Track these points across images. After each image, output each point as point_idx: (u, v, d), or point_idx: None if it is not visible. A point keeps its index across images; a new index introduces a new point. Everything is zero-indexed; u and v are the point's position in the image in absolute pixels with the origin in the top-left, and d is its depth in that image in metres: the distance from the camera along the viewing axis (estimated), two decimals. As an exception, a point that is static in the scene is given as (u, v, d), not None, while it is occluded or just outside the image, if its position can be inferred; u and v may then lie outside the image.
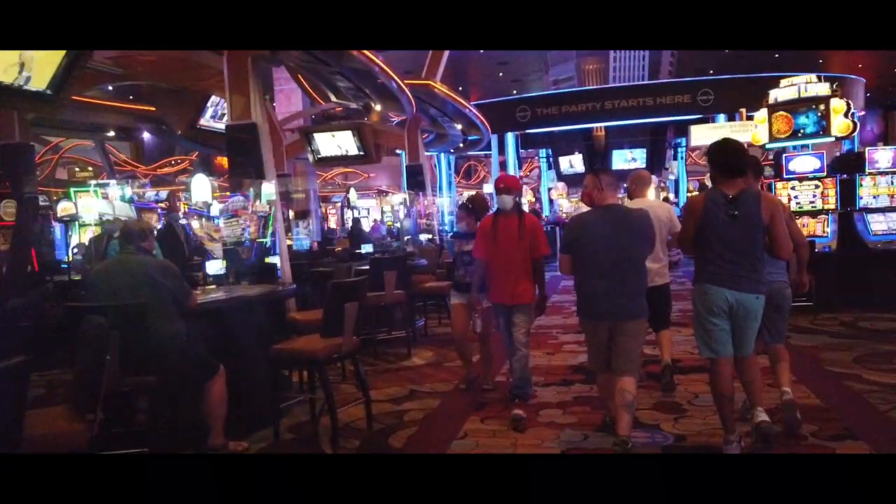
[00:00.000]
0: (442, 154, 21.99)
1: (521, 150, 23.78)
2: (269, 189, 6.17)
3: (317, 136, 11.52)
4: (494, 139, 17.65)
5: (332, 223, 19.79)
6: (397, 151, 14.48)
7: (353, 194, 13.50)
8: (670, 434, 4.05)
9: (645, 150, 20.07)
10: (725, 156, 3.46)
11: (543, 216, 20.94)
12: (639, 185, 5.21)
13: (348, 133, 11.39)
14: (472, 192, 11.80)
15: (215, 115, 8.92)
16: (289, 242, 9.98)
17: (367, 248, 8.98)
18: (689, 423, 4.21)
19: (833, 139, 11.24)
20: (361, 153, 11.61)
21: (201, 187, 7.19)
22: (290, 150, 12.29)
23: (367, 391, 4.45)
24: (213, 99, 8.94)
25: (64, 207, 8.01)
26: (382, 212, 27.78)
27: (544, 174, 24.43)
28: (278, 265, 5.69)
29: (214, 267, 5.28)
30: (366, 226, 26.47)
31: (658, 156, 20.60)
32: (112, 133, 9.86)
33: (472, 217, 5.18)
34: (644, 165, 19.85)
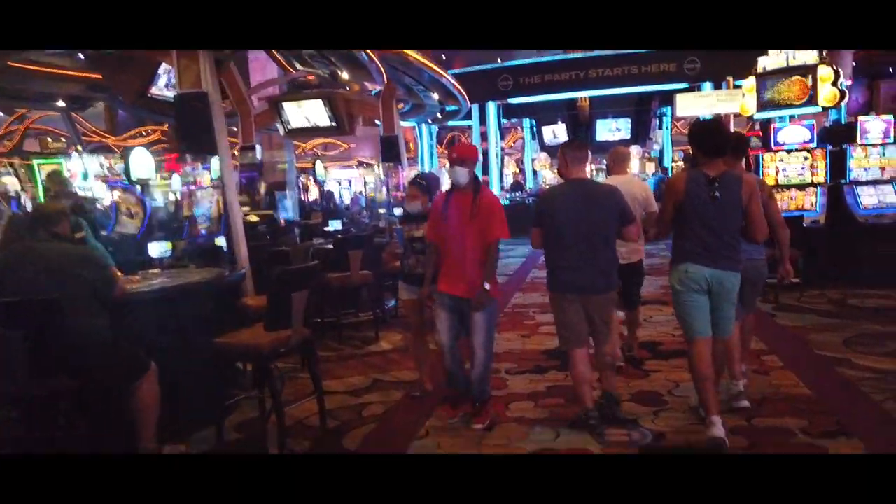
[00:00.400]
0: (423, 124, 21.49)
1: (503, 120, 23.33)
2: (219, 164, 5.70)
3: (286, 105, 10.97)
4: (476, 109, 17.11)
5: (314, 196, 19.26)
6: (376, 122, 13.98)
7: (319, 167, 12.89)
8: (649, 431, 3.72)
9: (629, 120, 19.56)
10: (707, 136, 3.46)
11: (527, 188, 20.56)
12: (617, 162, 5.09)
13: (318, 103, 10.85)
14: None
15: (168, 84, 8.34)
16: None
17: (335, 225, 8.52)
18: (669, 418, 3.89)
19: (820, 109, 10.91)
20: (333, 124, 11.10)
21: (141, 162, 6.63)
22: (259, 121, 11.73)
23: (320, 386, 4.07)
24: (167, 66, 8.37)
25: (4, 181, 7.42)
26: (365, 183, 27.18)
27: (528, 144, 23.95)
28: (229, 247, 5.23)
29: (158, 249, 4.84)
30: (347, 198, 25.93)
31: (643, 126, 20.13)
32: (62, 103, 9.23)
33: (425, 196, 4.32)
34: (628, 136, 19.44)
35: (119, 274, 4.38)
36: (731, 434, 3.57)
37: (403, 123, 19.73)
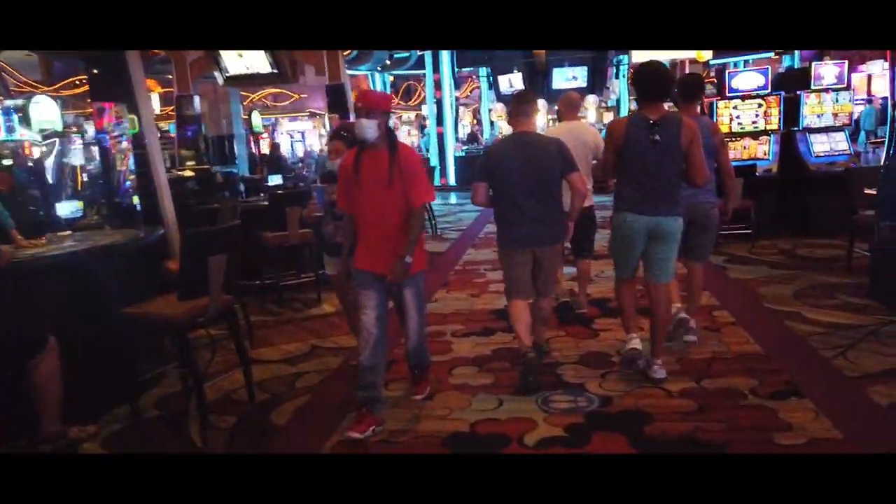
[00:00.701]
0: (377, 73, 20.72)
1: (458, 69, 22.67)
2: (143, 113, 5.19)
3: (223, 52, 10.28)
4: (428, 56, 16.49)
5: (265, 148, 18.47)
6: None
7: (255, 118, 12.16)
8: (595, 395, 3.54)
9: (586, 69, 19.19)
10: (648, 80, 3.41)
11: (484, 140, 20.15)
12: (568, 108, 4.95)
13: (259, 52, 10.20)
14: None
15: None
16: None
17: (275, 180, 8.05)
18: (616, 382, 3.71)
19: (772, 54, 10.78)
20: (275, 71, 10.47)
21: (45, 111, 6.02)
22: (195, 68, 11.01)
23: (247, 357, 3.77)
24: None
25: None
26: (319, 136, 26.30)
27: (484, 95, 23.42)
28: (148, 205, 4.79)
29: (67, 209, 4.38)
30: (302, 151, 25.01)
31: (599, 75, 19.77)
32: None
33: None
34: (585, 84, 19.10)
35: (16, 237, 3.96)
36: (680, 396, 3.44)
37: (353, 72, 19.04)
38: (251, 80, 10.94)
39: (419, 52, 14.91)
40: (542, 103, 19.41)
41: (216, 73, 10.67)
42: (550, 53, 18.43)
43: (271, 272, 6.05)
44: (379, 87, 20.96)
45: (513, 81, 19.95)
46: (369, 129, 3.10)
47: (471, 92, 29.41)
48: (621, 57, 19.30)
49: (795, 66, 11.68)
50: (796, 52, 11.61)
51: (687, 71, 12.96)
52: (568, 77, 19.26)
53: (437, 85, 16.69)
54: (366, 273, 3.27)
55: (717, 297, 5.19)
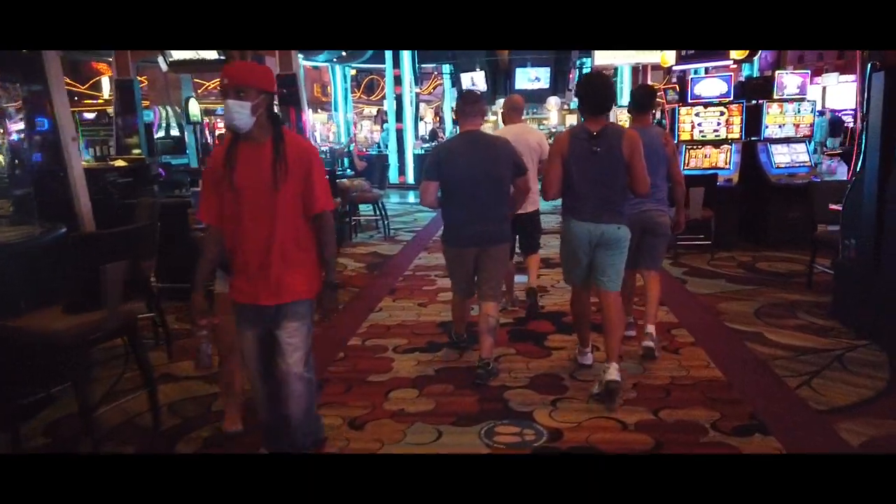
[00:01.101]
0: (338, 66, 20.14)
1: (422, 65, 22.26)
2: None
3: (166, 35, 9.68)
4: (388, 51, 16.02)
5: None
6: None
7: (193, 105, 11.46)
8: (544, 429, 3.19)
9: (549, 70, 19.04)
10: (589, 92, 3.44)
11: (443, 137, 19.79)
12: (510, 111, 4.97)
13: (204, 33, 9.63)
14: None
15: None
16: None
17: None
18: (568, 412, 3.36)
19: (731, 62, 10.66)
20: (222, 57, 9.90)
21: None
22: (136, 51, 10.34)
23: (152, 378, 3.29)
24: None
25: None
26: None
27: (447, 92, 23.07)
28: (47, 198, 4.25)
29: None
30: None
31: (562, 76, 19.64)
32: None
33: None
34: (547, 85, 18.97)
35: None
36: (636, 430, 3.13)
37: (310, 63, 18.45)
38: (197, 66, 10.34)
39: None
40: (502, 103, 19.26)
41: (160, 59, 10.06)
42: (513, 53, 18.19)
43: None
44: (339, 81, 20.40)
45: (475, 80, 19.65)
46: (239, 113, 2.36)
47: (434, 89, 29.04)
48: (584, 59, 19.20)
49: (755, 76, 11.65)
50: (755, 62, 11.57)
51: (649, 76, 12.84)
52: (530, 77, 19.07)
53: (397, 80, 16.22)
54: (247, 309, 2.56)
55: (675, 313, 4.93)
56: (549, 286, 5.85)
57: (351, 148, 10.20)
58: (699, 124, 7.56)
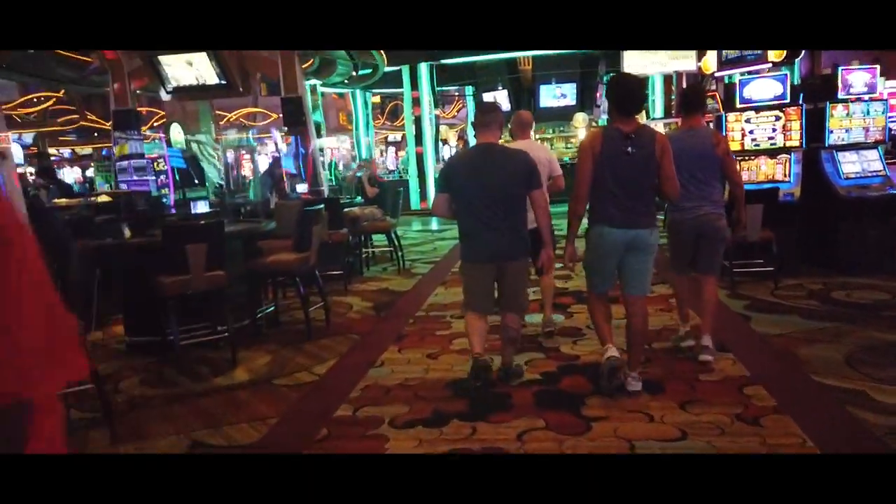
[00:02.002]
0: (359, 92, 19.66)
1: (444, 88, 21.63)
2: None
3: (163, 59, 9.08)
4: (406, 71, 15.37)
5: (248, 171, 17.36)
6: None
7: (175, 131, 10.78)
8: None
9: (575, 85, 18.23)
10: (621, 93, 3.40)
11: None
12: (519, 127, 4.79)
13: (202, 56, 9.01)
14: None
15: None
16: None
17: (202, 207, 6.79)
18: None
19: (770, 65, 9.71)
20: (223, 82, 9.28)
21: None
22: (137, 79, 9.79)
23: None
24: None
25: None
26: (266, 156, 25.24)
27: (471, 114, 22.40)
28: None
29: None
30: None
31: (589, 91, 18.79)
32: None
33: None
34: (574, 102, 18.12)
35: None
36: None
37: (330, 90, 17.96)
38: (199, 93, 9.76)
39: (387, 67, 13.75)
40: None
41: (161, 91, 9.51)
42: (537, 68, 17.44)
43: (176, 326, 4.76)
44: (360, 107, 19.99)
45: (497, 99, 18.92)
46: None
47: (458, 112, 28.50)
48: (612, 73, 18.33)
49: (795, 80, 10.63)
50: (796, 65, 10.56)
51: (684, 83, 11.89)
52: (556, 94, 18.29)
53: (416, 102, 15.53)
54: None
55: (745, 363, 3.95)
56: (583, 327, 4.93)
57: (360, 174, 9.39)
58: (750, 132, 6.60)
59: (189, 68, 9.20)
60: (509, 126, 4.74)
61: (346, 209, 7.94)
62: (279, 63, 9.28)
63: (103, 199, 7.20)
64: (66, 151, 26.19)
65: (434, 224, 13.46)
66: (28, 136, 21.32)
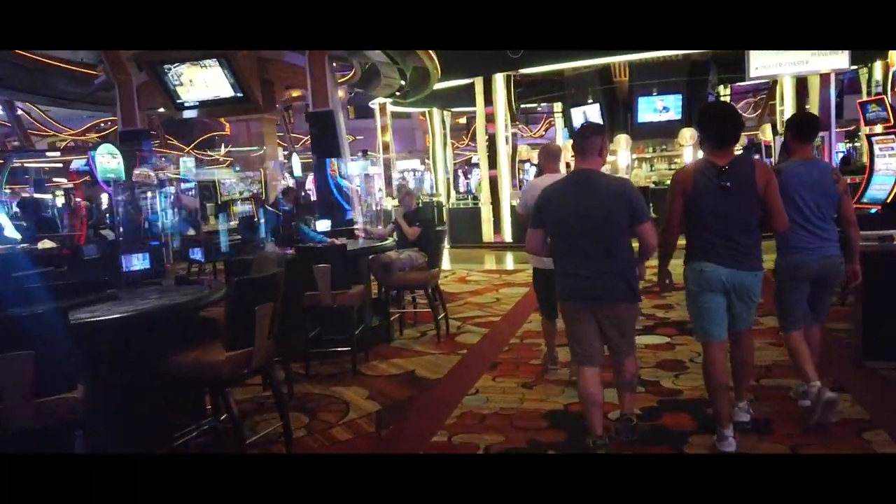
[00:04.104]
0: (436, 111, 18.12)
1: (531, 105, 19.57)
2: None
3: (171, 70, 7.57)
4: (479, 85, 13.41)
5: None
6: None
7: (192, 164, 9.20)
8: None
9: (680, 97, 15.52)
10: (715, 123, 3.21)
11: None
12: (548, 159, 4.57)
13: (213, 65, 7.42)
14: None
15: None
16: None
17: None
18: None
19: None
20: (239, 94, 7.65)
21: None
22: (145, 94, 8.37)
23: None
24: None
25: None
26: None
27: (559, 133, 20.26)
28: None
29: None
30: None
31: (697, 103, 15.93)
32: None
33: None
34: (679, 116, 15.47)
35: None
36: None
37: (402, 109, 16.42)
38: (213, 109, 8.18)
39: (438, 81, 11.84)
40: (624, 139, 15.95)
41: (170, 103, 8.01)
42: (635, 78, 15.00)
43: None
44: (437, 126, 18.55)
45: (589, 114, 16.59)
46: None
47: (545, 131, 26.53)
48: (724, 79, 15.61)
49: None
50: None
51: (832, 85, 9.20)
52: (657, 107, 15.70)
53: (490, 118, 13.50)
54: None
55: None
56: (686, 360, 4.58)
57: (394, 209, 7.29)
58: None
59: (191, 78, 7.63)
60: (538, 157, 4.40)
61: (373, 252, 6.02)
62: (307, 71, 7.55)
63: (45, 244, 5.62)
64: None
65: (510, 261, 11.37)
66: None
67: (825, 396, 3.31)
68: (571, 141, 3.53)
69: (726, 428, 3.19)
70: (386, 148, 18.38)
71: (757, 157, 12.39)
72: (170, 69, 7.46)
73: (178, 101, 7.74)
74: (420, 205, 8.76)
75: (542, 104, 21.58)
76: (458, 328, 6.30)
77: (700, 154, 3.36)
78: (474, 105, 13.82)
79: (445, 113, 19.09)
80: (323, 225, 6.78)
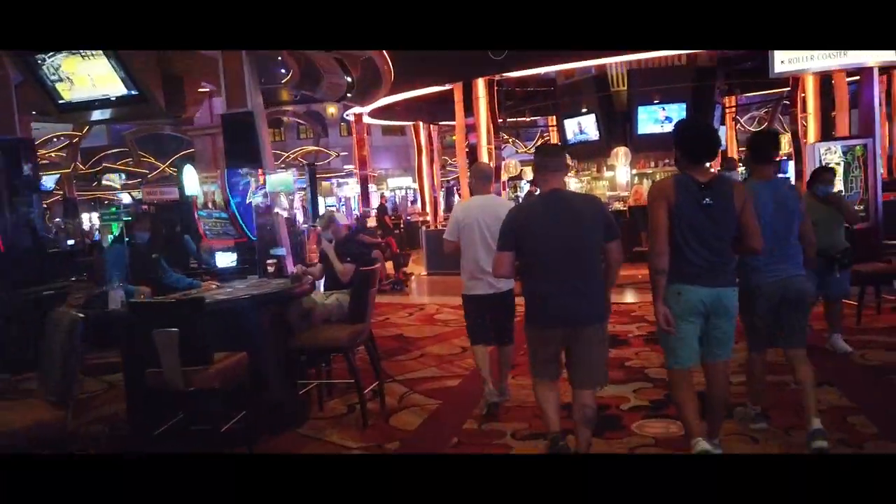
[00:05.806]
0: (422, 125, 16.63)
1: (508, 118, 17.94)
2: None
3: (46, 61, 5.98)
4: (458, 92, 11.84)
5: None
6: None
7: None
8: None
9: (684, 106, 13.96)
10: (694, 139, 3.19)
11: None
12: (479, 180, 4.45)
13: (98, 56, 5.82)
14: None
15: None
16: None
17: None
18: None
19: None
20: (133, 92, 6.03)
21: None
22: (29, 95, 6.77)
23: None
24: None
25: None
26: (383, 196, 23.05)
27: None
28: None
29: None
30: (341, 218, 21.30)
31: (703, 114, 14.42)
32: None
33: None
34: (683, 126, 13.87)
35: None
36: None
37: (389, 123, 15.00)
38: (101, 110, 6.54)
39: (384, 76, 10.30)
40: (623, 153, 14.40)
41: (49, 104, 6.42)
42: (633, 84, 13.49)
43: None
44: (423, 140, 17.07)
45: (583, 126, 15.06)
46: None
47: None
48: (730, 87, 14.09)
49: None
50: None
51: (875, 83, 7.61)
52: (658, 117, 14.13)
53: (472, 130, 11.91)
54: None
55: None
56: None
57: (322, 241, 5.45)
58: None
59: (74, 82, 6.03)
60: (469, 178, 4.51)
61: (292, 297, 4.38)
62: (220, 66, 5.96)
63: None
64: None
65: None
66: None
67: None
68: (534, 160, 3.41)
69: (697, 435, 3.11)
70: (363, 163, 16.87)
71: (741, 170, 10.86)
72: (44, 60, 5.87)
73: (61, 101, 6.15)
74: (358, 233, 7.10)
75: (538, 118, 20.14)
76: (400, 399, 4.64)
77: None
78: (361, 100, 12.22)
79: (433, 127, 17.61)
80: (226, 259, 5.12)
